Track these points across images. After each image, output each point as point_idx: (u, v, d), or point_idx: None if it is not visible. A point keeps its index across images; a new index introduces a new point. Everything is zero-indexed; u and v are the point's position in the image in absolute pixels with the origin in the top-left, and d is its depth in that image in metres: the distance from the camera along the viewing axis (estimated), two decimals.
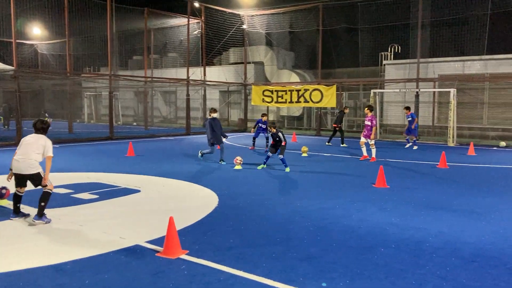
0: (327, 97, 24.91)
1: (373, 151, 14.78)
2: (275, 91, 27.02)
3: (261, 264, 5.28)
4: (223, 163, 13.67)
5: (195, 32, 29.90)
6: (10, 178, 7.13)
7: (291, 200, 8.81)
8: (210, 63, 32.62)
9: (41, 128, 7.13)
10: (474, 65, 23.43)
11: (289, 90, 26.46)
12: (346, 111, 21.20)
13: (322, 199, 8.84)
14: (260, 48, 31.48)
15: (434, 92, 23.64)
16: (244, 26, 29.02)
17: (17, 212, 7.16)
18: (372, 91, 23.07)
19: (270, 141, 14.65)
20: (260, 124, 18.02)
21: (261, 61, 31.73)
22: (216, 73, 32.23)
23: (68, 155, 15.67)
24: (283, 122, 31.46)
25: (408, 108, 19.37)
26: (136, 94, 38.95)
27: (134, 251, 5.76)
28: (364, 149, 15.09)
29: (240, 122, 32.77)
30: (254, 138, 18.50)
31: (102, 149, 17.85)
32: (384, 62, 26.45)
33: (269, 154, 12.82)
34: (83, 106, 40.45)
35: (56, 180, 8.92)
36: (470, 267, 5.22)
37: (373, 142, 14.84)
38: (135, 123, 36.60)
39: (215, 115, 13.72)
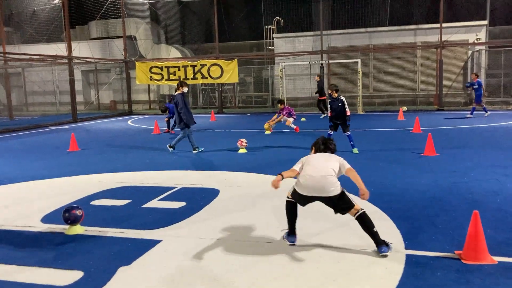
0: (227, 72, 23.81)
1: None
2: (166, 67, 24.69)
3: None
4: None
5: (56, 1, 25.38)
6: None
7: (415, 178, 7.91)
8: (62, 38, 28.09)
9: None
10: (357, 37, 24.94)
11: (182, 66, 24.46)
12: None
13: (416, 172, 8.20)
14: (129, 20, 28.21)
15: (328, 64, 24.53)
16: None
17: (294, 233, 4.97)
18: (281, 64, 22.77)
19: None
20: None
21: (132, 35, 28.55)
22: (75, 50, 27.86)
23: None
24: (164, 102, 29.10)
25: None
26: None
27: (427, 263, 4.37)
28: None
29: (113, 105, 29.31)
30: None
31: (5, 147, 13.83)
32: (274, 35, 26.39)
33: (330, 131, 10.76)
34: None
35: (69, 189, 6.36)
36: None
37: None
38: None
39: None
